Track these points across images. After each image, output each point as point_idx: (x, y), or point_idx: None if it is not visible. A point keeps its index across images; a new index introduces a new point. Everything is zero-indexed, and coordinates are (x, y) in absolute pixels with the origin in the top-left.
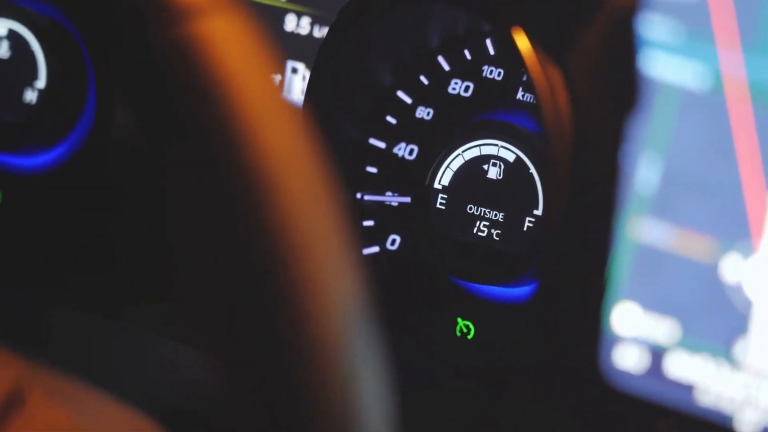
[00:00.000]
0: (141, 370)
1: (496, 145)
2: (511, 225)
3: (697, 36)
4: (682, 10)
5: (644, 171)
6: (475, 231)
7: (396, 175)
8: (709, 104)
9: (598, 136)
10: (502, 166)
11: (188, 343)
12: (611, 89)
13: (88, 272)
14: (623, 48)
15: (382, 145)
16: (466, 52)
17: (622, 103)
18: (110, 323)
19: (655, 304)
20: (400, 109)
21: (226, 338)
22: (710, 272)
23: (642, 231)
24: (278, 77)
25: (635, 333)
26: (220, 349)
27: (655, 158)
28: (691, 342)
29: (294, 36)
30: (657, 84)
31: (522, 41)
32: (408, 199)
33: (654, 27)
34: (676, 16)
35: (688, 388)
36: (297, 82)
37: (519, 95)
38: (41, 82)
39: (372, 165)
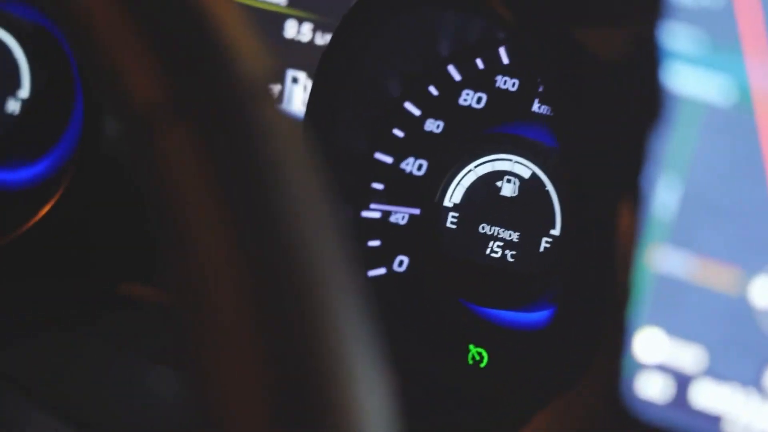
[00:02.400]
0: (124, 395)
1: (511, 160)
2: (527, 245)
3: (723, 46)
4: (707, 18)
5: (663, 194)
6: (488, 252)
7: (404, 191)
8: (736, 120)
9: (618, 152)
10: (517, 183)
11: (177, 366)
12: (632, 103)
13: (75, 294)
14: (644, 59)
15: (388, 159)
16: (479, 62)
17: (643, 117)
18: (93, 342)
19: (680, 330)
20: (408, 121)
21: (220, 360)
22: (737, 300)
23: (660, 260)
24: (278, 87)
25: (659, 360)
26: (213, 371)
27: (674, 180)
28: (718, 370)
29: (294, 43)
30: (678, 98)
31: (538, 50)
32: (417, 211)
33: (676, 37)
34: (700, 25)
35: (715, 420)
36: (298, 92)
37: (535, 107)
38: (24, 92)
39: (378, 181)
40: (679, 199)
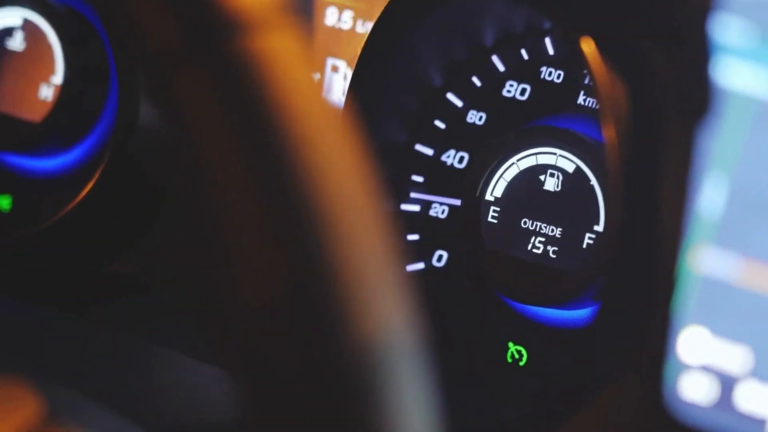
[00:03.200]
0: (160, 391)
1: (555, 153)
2: (570, 241)
3: None
4: (759, 10)
5: (709, 193)
6: (529, 247)
7: (444, 184)
8: None
9: (665, 147)
10: (561, 177)
11: (218, 363)
12: (680, 97)
13: (107, 287)
14: (695, 51)
15: (429, 151)
16: (523, 52)
17: (692, 112)
18: (128, 339)
19: (725, 330)
20: (450, 112)
21: (259, 357)
22: None
23: (706, 262)
24: (317, 76)
25: (704, 361)
26: (252, 369)
27: (721, 178)
28: (765, 371)
29: (335, 31)
30: (727, 93)
31: (586, 41)
32: (458, 202)
33: (727, 29)
34: (752, 18)
35: (761, 423)
36: (338, 81)
37: (580, 99)
38: (58, 78)
39: (418, 173)
40: (725, 198)
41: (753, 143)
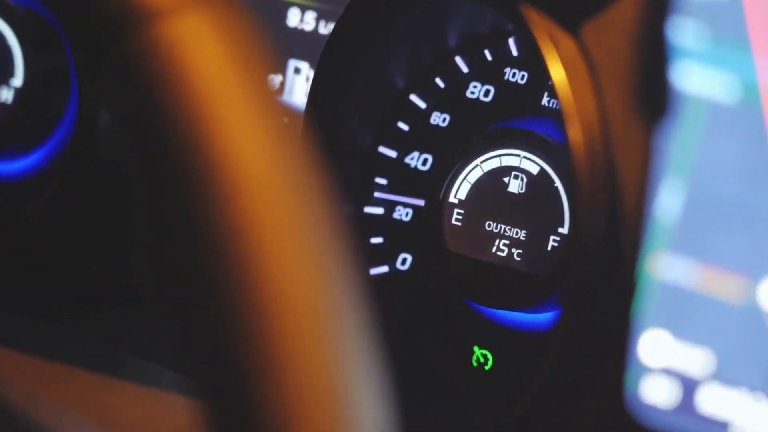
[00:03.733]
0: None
1: (519, 155)
2: (534, 244)
3: (730, 42)
4: (714, 12)
5: (666, 197)
6: (494, 250)
7: (408, 186)
8: (742, 119)
9: (626, 149)
10: (525, 179)
11: (170, 367)
12: (639, 99)
13: (70, 289)
14: (652, 54)
15: (393, 153)
16: (487, 53)
17: (651, 114)
18: (89, 342)
19: (686, 332)
20: (413, 114)
21: (211, 363)
22: (745, 306)
23: (664, 267)
24: (279, 78)
25: (665, 364)
26: (205, 373)
27: (678, 183)
28: (726, 374)
29: (297, 32)
30: (682, 96)
31: (545, 42)
32: (422, 202)
33: (682, 32)
34: (707, 20)
35: (722, 426)
36: (300, 83)
37: (544, 101)
38: (18, 80)
39: (381, 176)
40: (682, 203)
41: (708, 146)
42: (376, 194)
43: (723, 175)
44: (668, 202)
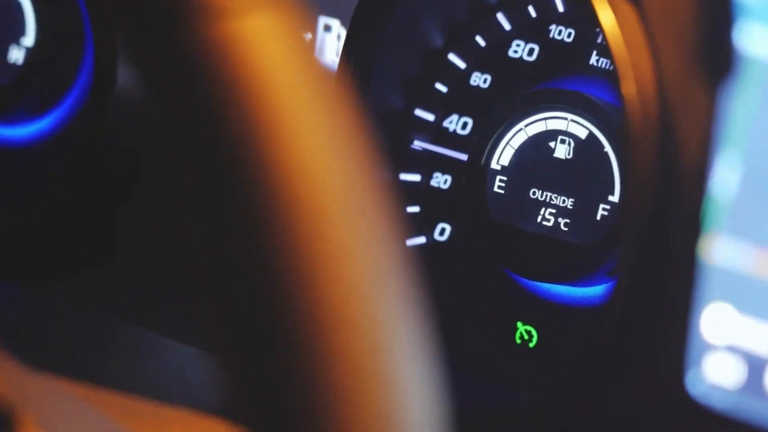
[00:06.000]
0: (145, 373)
1: (566, 118)
2: (582, 213)
3: None
4: None
5: (722, 171)
6: (539, 220)
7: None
8: None
9: (683, 112)
10: (572, 144)
11: (201, 346)
12: (699, 59)
13: (83, 262)
14: (714, 11)
15: (430, 117)
16: (531, 9)
17: (712, 76)
18: (106, 318)
19: (753, 306)
20: (452, 74)
21: (246, 342)
22: None
23: (716, 251)
24: (308, 36)
25: (729, 341)
26: (239, 354)
27: (734, 155)
28: None
29: None
30: (744, 58)
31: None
32: (465, 157)
33: None
34: None
35: None
36: (330, 41)
37: (593, 60)
38: (29, 39)
39: (418, 140)
40: (739, 180)
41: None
42: (417, 143)
43: None
44: (725, 177)
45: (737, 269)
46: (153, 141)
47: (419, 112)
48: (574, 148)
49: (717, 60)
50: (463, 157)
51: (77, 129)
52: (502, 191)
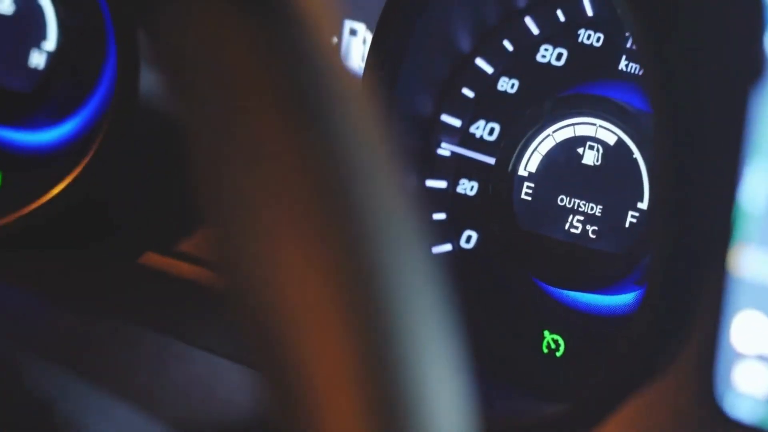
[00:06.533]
0: (176, 387)
1: (594, 124)
2: (611, 220)
3: None
4: None
5: (751, 180)
6: (567, 227)
7: (473, 158)
8: None
9: (715, 118)
10: (601, 150)
11: (232, 358)
12: (731, 65)
13: (104, 269)
14: (746, 15)
15: (457, 122)
16: (559, 13)
17: (744, 81)
18: (134, 329)
19: None
20: (479, 79)
21: (272, 353)
22: None
23: (746, 260)
24: (334, 40)
25: (760, 350)
26: (267, 364)
27: (764, 164)
28: None
29: None
30: None
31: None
32: (492, 160)
33: None
34: None
35: None
36: (356, 46)
37: (622, 65)
38: (50, 43)
39: (445, 146)
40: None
41: None
42: (444, 145)
43: None
44: (754, 186)
45: (767, 278)
46: (177, 146)
47: (446, 118)
48: (602, 154)
49: (747, 66)
50: (491, 161)
51: (99, 134)
52: (530, 198)
